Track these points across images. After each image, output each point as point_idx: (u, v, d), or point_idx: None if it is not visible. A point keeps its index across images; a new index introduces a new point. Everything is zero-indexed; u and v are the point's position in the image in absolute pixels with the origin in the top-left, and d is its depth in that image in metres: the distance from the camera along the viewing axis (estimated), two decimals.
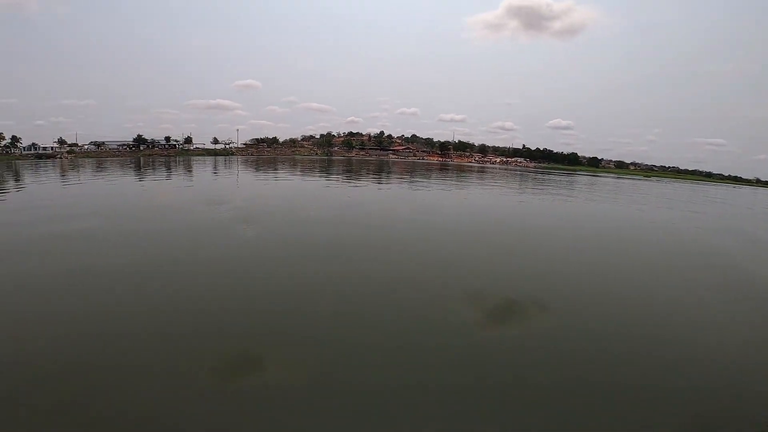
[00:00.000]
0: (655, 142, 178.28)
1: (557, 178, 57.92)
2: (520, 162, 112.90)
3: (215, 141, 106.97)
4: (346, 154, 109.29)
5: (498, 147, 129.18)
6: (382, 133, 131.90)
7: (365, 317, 7.01)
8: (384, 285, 8.63)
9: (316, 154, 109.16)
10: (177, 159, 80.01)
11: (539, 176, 60.24)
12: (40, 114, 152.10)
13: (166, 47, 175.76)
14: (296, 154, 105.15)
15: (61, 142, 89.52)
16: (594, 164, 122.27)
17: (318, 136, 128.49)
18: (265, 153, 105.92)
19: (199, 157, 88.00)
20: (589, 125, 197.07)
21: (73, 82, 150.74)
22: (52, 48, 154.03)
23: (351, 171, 48.86)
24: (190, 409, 4.56)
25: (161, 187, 28.71)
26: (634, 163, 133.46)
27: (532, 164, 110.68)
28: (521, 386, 5.25)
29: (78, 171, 46.55)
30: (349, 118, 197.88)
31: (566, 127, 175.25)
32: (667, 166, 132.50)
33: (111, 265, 9.29)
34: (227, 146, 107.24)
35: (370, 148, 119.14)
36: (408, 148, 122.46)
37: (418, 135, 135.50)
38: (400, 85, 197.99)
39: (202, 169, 49.23)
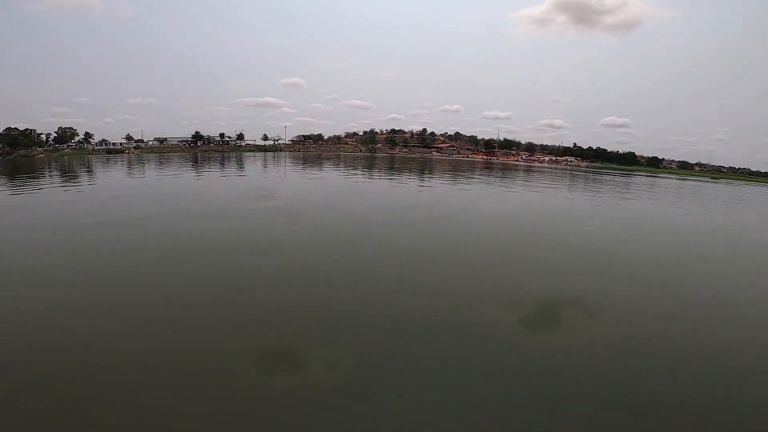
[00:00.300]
0: (723, 141, 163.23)
1: (613, 178, 54.78)
2: (571, 161, 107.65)
3: (265, 137, 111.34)
4: (390, 152, 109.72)
5: (546, 145, 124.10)
6: (424, 130, 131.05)
7: (403, 319, 6.80)
8: (423, 287, 8.41)
9: (360, 150, 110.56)
10: (230, 154, 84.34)
11: (592, 176, 57.26)
12: (108, 112, 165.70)
13: (219, 48, 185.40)
14: (341, 151, 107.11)
15: (129, 138, 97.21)
16: (654, 164, 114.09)
17: (361, 133, 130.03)
18: (311, 149, 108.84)
19: (250, 153, 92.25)
20: (648, 123, 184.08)
21: (136, 81, 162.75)
22: (118, 49, 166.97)
23: (394, 168, 49.12)
24: (223, 407, 4.54)
25: (215, 182, 30.49)
26: (699, 164, 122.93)
27: (584, 164, 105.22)
28: (564, 399, 4.96)
29: (143, 165, 50.44)
30: (391, 116, 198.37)
31: (622, 125, 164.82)
32: (737, 167, 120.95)
33: (150, 256, 10.02)
34: (276, 142, 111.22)
35: (414, 146, 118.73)
36: (452, 146, 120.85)
37: (461, 132, 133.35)
38: (443, 82, 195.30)
39: (253, 164, 51.63)
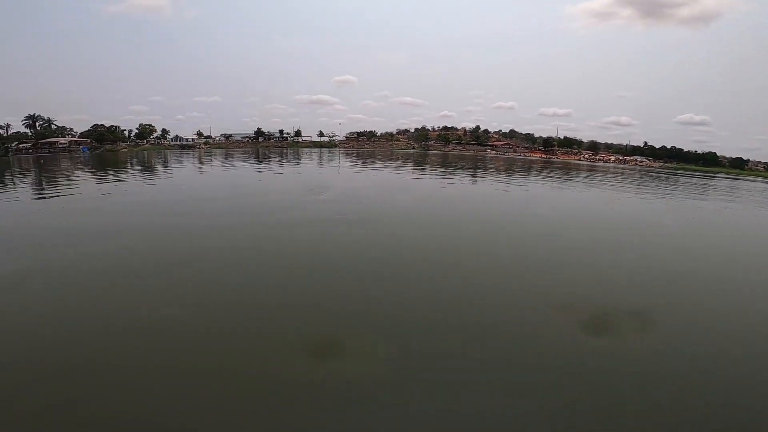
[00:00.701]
0: None
1: (690, 180, 50.09)
2: (641, 161, 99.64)
3: (321, 134, 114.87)
4: (442, 149, 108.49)
5: (611, 144, 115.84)
6: (477, 127, 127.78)
7: (450, 319, 6.68)
8: (466, 286, 8.31)
9: (413, 147, 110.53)
10: (288, 150, 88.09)
11: (666, 177, 52.73)
12: (179, 109, 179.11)
13: (275, 48, 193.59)
14: (393, 148, 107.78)
15: (199, 134, 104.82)
16: (738, 166, 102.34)
17: (413, 130, 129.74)
18: (364, 146, 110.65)
19: (307, 149, 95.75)
20: (730, 121, 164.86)
21: (202, 80, 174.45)
22: (182, 48, 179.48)
23: (446, 165, 48.58)
24: (267, 391, 4.75)
25: (273, 175, 32.14)
26: None
27: (656, 164, 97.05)
28: (621, 413, 4.70)
29: (211, 159, 54.27)
30: (442, 113, 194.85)
31: (701, 123, 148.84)
32: None
33: (202, 244, 10.89)
34: (331, 139, 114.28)
35: (467, 143, 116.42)
36: (507, 144, 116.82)
37: (516, 130, 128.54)
38: (496, 78, 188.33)
39: (309, 160, 53.57)
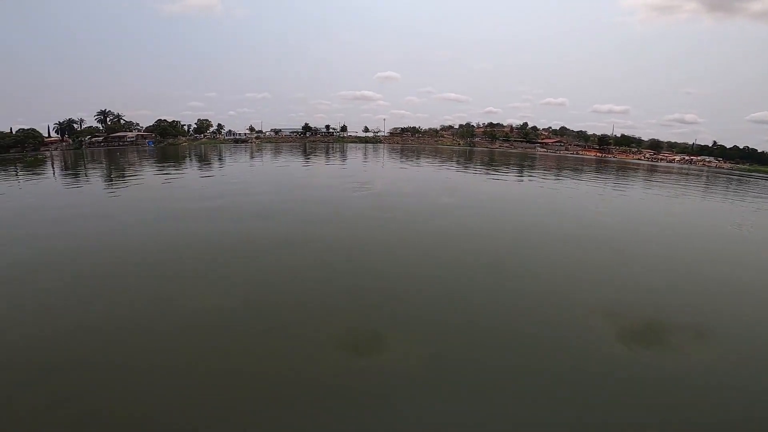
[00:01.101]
0: None
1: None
2: (709, 161, 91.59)
3: (366, 129, 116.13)
4: (489, 146, 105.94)
5: (675, 143, 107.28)
6: (525, 124, 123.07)
7: (492, 324, 6.43)
8: (511, 288, 8.01)
9: (458, 144, 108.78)
10: (334, 145, 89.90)
11: (738, 179, 48.10)
12: (231, 105, 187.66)
13: (320, 45, 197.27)
14: (438, 144, 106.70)
15: (251, 129, 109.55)
16: None
17: (457, 127, 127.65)
18: (409, 141, 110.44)
19: (352, 144, 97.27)
20: None
21: (252, 77, 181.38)
22: (233, 46, 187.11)
23: (492, 162, 47.34)
24: (298, 383, 4.80)
25: (320, 169, 32.96)
26: None
27: (727, 165, 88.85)
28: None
29: (261, 153, 56.53)
30: (487, 109, 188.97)
31: None
32: None
33: (251, 235, 11.34)
34: (376, 134, 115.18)
35: (515, 140, 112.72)
36: (559, 141, 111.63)
37: (567, 127, 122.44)
38: (545, 73, 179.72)
39: (354, 155, 54.37)
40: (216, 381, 4.86)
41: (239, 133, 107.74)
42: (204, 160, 43.85)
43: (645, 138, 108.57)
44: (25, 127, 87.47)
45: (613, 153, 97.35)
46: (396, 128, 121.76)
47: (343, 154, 57.74)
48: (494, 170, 36.22)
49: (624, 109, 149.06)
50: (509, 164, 45.71)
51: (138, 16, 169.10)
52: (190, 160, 44.41)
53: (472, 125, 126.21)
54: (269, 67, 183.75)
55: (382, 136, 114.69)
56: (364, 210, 14.96)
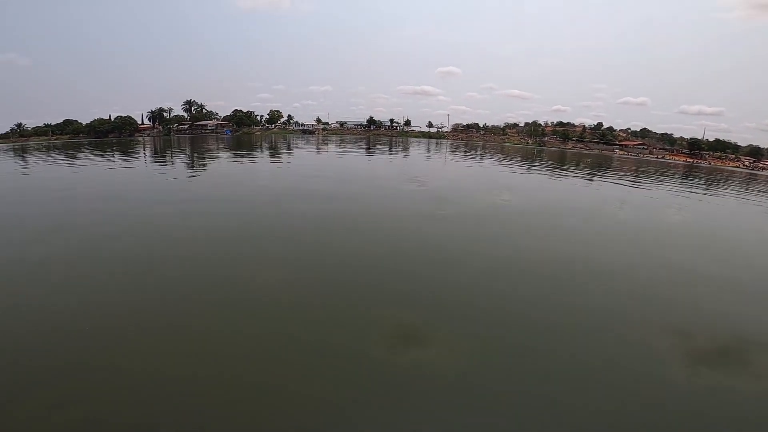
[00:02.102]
0: None
1: None
2: None
3: (430, 125, 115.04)
4: (560, 146, 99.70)
5: None
6: (600, 124, 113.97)
7: (547, 338, 5.81)
8: (569, 292, 7.41)
9: (527, 143, 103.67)
10: (397, 139, 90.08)
11: None
12: (297, 97, 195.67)
13: (381, 39, 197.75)
14: (505, 142, 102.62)
15: (318, 120, 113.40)
16: None
17: (522, 125, 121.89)
18: (474, 138, 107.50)
19: (415, 139, 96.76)
20: None
21: (316, 70, 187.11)
22: (298, 40, 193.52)
23: (565, 164, 44.34)
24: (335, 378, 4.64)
25: (379, 161, 33.13)
26: None
27: None
28: None
29: (327, 144, 58.24)
30: (555, 107, 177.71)
31: None
32: None
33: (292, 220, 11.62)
34: (440, 130, 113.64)
35: (590, 141, 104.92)
36: (642, 144, 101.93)
37: (649, 129, 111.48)
38: (624, 71, 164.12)
39: (416, 149, 54.05)
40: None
41: (307, 125, 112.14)
42: (274, 149, 46.19)
43: (742, 143, 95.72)
44: (123, 115, 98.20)
45: (706, 158, 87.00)
46: (457, 124, 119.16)
47: (405, 148, 57.63)
48: (567, 171, 33.90)
49: (717, 110, 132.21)
50: (584, 166, 42.58)
51: (214, 12, 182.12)
52: (262, 149, 46.96)
53: (539, 123, 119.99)
54: (332, 61, 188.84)
55: (446, 132, 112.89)
56: (418, 204, 14.71)
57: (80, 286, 6.93)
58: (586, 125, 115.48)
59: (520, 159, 46.96)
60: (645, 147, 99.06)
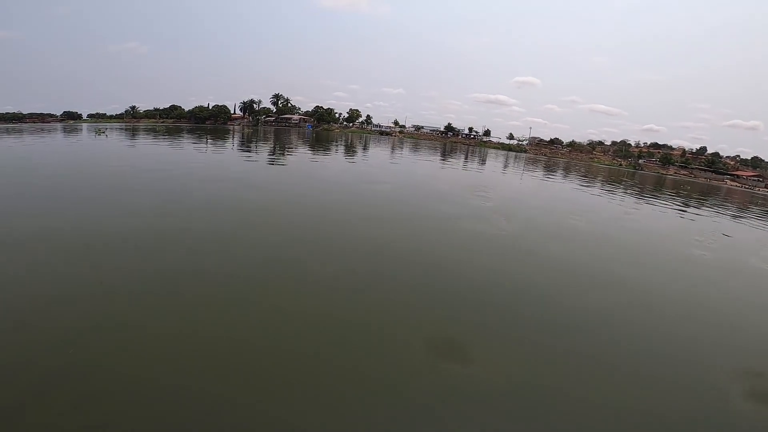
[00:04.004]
0: None
1: None
2: None
3: (510, 137, 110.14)
4: (660, 170, 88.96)
5: None
6: (703, 148, 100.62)
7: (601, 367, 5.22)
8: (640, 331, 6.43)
9: (620, 165, 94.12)
10: (475, 149, 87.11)
11: None
12: (370, 98, 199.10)
13: (457, 45, 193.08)
14: (594, 161, 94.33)
15: (395, 122, 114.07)
16: None
17: (608, 143, 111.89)
18: (558, 155, 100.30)
19: (493, 150, 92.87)
20: None
21: (389, 72, 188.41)
22: (375, 41, 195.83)
23: (673, 195, 38.80)
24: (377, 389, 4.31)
25: (450, 170, 31.52)
26: None
27: None
28: None
29: (402, 147, 57.75)
30: (646, 126, 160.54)
31: None
32: None
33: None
34: (520, 143, 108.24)
35: (696, 168, 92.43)
36: (758, 176, 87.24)
37: (761, 158, 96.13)
38: (730, 90, 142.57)
39: (494, 162, 51.31)
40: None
41: (384, 126, 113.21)
42: (351, 148, 46.60)
43: None
44: (219, 104, 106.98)
45: None
46: (534, 138, 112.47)
47: (482, 159, 55.14)
48: (671, 201, 29.39)
49: None
50: (687, 195, 36.77)
51: (298, 11, 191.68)
52: (340, 145, 47.61)
53: (629, 143, 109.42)
54: (406, 64, 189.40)
55: (528, 146, 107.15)
56: (482, 221, 13.06)
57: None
58: (686, 148, 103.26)
59: (617, 184, 42.20)
60: (761, 179, 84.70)
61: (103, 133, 45.50)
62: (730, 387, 5.10)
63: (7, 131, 48.25)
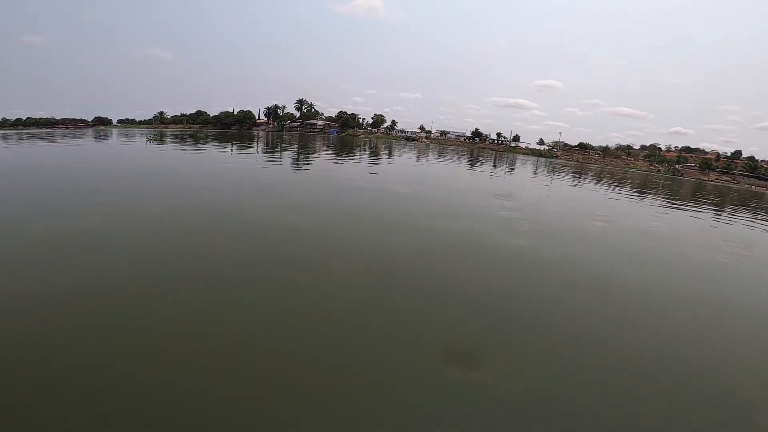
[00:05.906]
0: None
1: None
2: None
3: (541, 142, 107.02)
4: (700, 176, 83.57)
5: None
6: (738, 152, 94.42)
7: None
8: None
9: (658, 171, 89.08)
10: (504, 155, 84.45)
11: None
12: (387, 103, 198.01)
13: (475, 49, 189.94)
14: (631, 167, 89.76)
15: (421, 128, 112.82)
16: None
17: (637, 147, 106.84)
18: (592, 161, 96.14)
19: (522, 156, 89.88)
20: None
21: (407, 77, 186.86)
22: (392, 47, 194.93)
23: (718, 203, 35.30)
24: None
25: (474, 175, 29.79)
26: None
27: None
28: None
29: (428, 153, 56.26)
30: (673, 129, 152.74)
31: None
32: None
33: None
34: (551, 149, 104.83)
35: (739, 173, 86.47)
36: None
37: None
38: (763, 93, 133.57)
39: (523, 169, 48.92)
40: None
41: (409, 132, 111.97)
42: (376, 154, 45.50)
43: None
44: (244, 110, 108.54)
45: None
46: (558, 142, 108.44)
47: (512, 165, 52.87)
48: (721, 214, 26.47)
49: None
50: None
51: (316, 16, 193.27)
52: (364, 152, 46.61)
53: (658, 147, 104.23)
54: (422, 68, 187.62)
55: (559, 152, 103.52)
56: (508, 231, 11.41)
57: None
58: (720, 153, 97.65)
59: (664, 195, 39.12)
60: None
61: (154, 139, 46.26)
62: (754, 398, 4.86)
63: (69, 136, 49.97)
